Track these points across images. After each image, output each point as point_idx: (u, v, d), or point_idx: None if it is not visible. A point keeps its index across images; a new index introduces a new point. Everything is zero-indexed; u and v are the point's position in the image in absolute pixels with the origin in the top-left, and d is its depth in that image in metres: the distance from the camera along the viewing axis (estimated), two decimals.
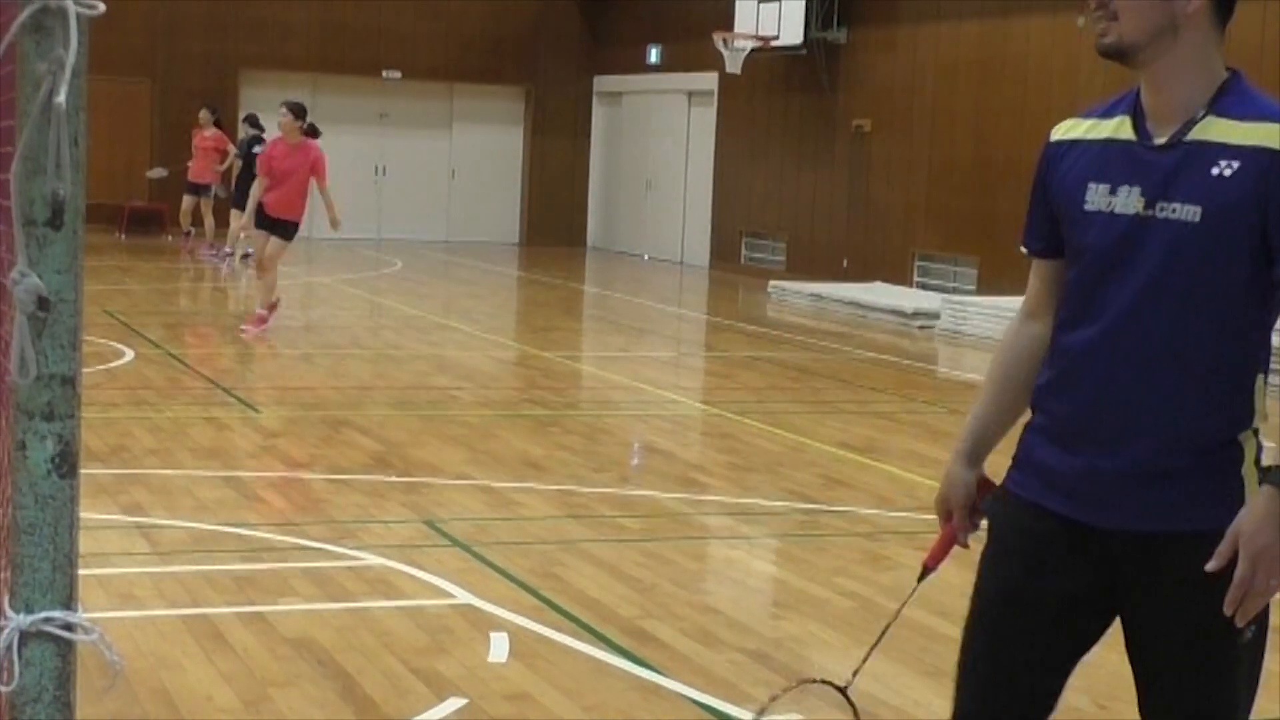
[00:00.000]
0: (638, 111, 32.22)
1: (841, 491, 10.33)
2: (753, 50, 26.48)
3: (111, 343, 15.54)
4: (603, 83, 33.24)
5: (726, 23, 27.13)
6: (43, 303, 2.29)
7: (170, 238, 28.71)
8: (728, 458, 11.51)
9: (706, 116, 29.94)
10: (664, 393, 14.67)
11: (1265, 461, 3.39)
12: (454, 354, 16.84)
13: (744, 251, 29.01)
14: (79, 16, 2.23)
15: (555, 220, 33.50)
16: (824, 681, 4.02)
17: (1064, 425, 3.54)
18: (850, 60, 26.02)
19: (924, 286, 23.74)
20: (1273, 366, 3.57)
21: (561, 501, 9.80)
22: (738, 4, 27.11)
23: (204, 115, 26.66)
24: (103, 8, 2.23)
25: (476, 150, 33.32)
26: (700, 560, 8.85)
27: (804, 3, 25.74)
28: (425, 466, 10.60)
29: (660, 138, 31.40)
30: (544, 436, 11.96)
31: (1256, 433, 3.45)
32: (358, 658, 6.67)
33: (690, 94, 30.45)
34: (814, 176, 26.82)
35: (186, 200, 26.82)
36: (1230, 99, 3.45)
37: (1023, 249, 3.75)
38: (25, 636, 2.40)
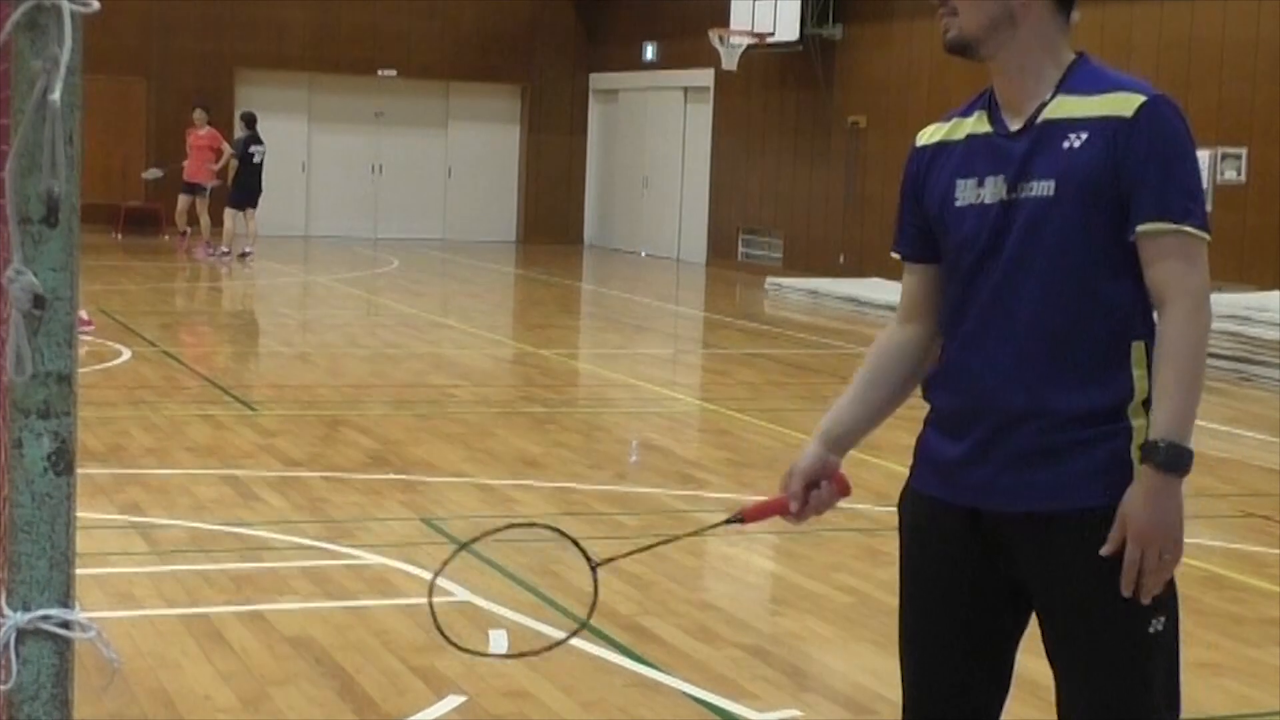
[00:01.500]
0: (634, 109, 32.22)
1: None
2: (749, 47, 26.48)
3: (108, 342, 15.53)
4: (599, 80, 33.24)
5: (722, 19, 27.12)
6: (38, 300, 2.29)
7: (166, 237, 28.71)
8: (725, 454, 11.51)
9: (703, 113, 29.94)
10: (661, 390, 14.67)
11: (1148, 437, 3.37)
12: (451, 352, 16.84)
13: (741, 248, 29.01)
14: (73, 14, 2.23)
15: (552, 218, 33.50)
16: (549, 528, 4.00)
17: (949, 414, 3.58)
18: (846, 56, 26.02)
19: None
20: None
21: (559, 499, 9.80)
22: (733, 1, 27.10)
23: (198, 115, 26.67)
24: (97, 5, 2.23)
25: (473, 148, 33.32)
26: (698, 557, 8.84)
27: None
28: (423, 465, 10.60)
29: (657, 135, 31.40)
30: (542, 434, 11.96)
31: (1147, 405, 3.40)
32: (356, 656, 6.67)
33: (686, 91, 30.45)
34: (810, 172, 26.82)
35: (182, 200, 26.83)
36: (1077, 78, 3.50)
37: (894, 254, 3.78)
38: (22, 634, 2.40)
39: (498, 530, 3.89)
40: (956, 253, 3.56)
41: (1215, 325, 17.47)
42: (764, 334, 19.46)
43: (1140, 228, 3.37)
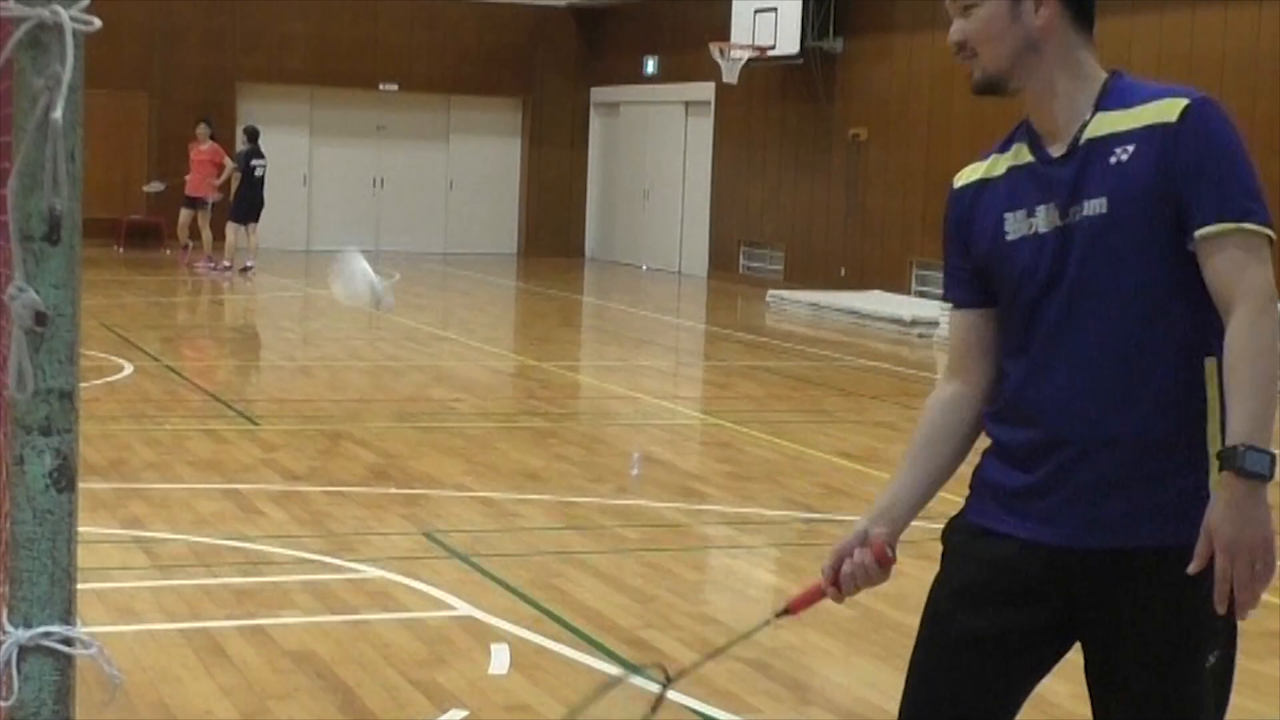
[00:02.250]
0: (635, 122, 32.24)
1: (841, 500, 10.33)
2: (749, 60, 26.49)
3: (110, 356, 15.53)
4: (600, 93, 33.26)
5: (723, 33, 27.14)
6: (40, 318, 2.29)
7: (168, 251, 28.72)
8: (727, 467, 11.51)
9: (704, 126, 29.96)
10: (663, 403, 14.68)
11: (1225, 444, 3.23)
12: (452, 365, 16.84)
13: (742, 261, 29.02)
14: (75, 32, 2.23)
15: (553, 231, 33.51)
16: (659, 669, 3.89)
17: (1014, 447, 3.48)
18: (846, 69, 26.04)
19: (922, 294, 23.74)
20: None
21: (561, 512, 9.80)
22: (734, 14, 27.12)
23: (201, 129, 26.69)
24: (99, 23, 2.23)
25: (474, 162, 33.33)
26: (700, 570, 8.85)
27: (800, 13, 25.76)
28: (424, 478, 10.60)
29: (658, 148, 31.42)
30: (543, 447, 11.96)
31: (1223, 429, 3.27)
32: (357, 670, 6.67)
33: (687, 104, 30.47)
34: (811, 185, 26.83)
35: (184, 214, 26.84)
36: (1114, 95, 3.42)
37: (945, 302, 3.71)
38: (24, 651, 2.40)
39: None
40: (1015, 288, 3.46)
41: None
42: (765, 347, 19.46)
43: (1199, 232, 3.27)
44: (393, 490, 10.18)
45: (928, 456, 3.63)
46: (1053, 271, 3.39)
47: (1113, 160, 3.35)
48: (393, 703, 6.32)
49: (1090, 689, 3.50)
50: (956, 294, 3.67)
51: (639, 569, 8.49)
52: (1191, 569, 3.23)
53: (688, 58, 29.44)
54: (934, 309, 21.24)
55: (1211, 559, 3.21)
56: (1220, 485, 3.20)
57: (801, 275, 26.55)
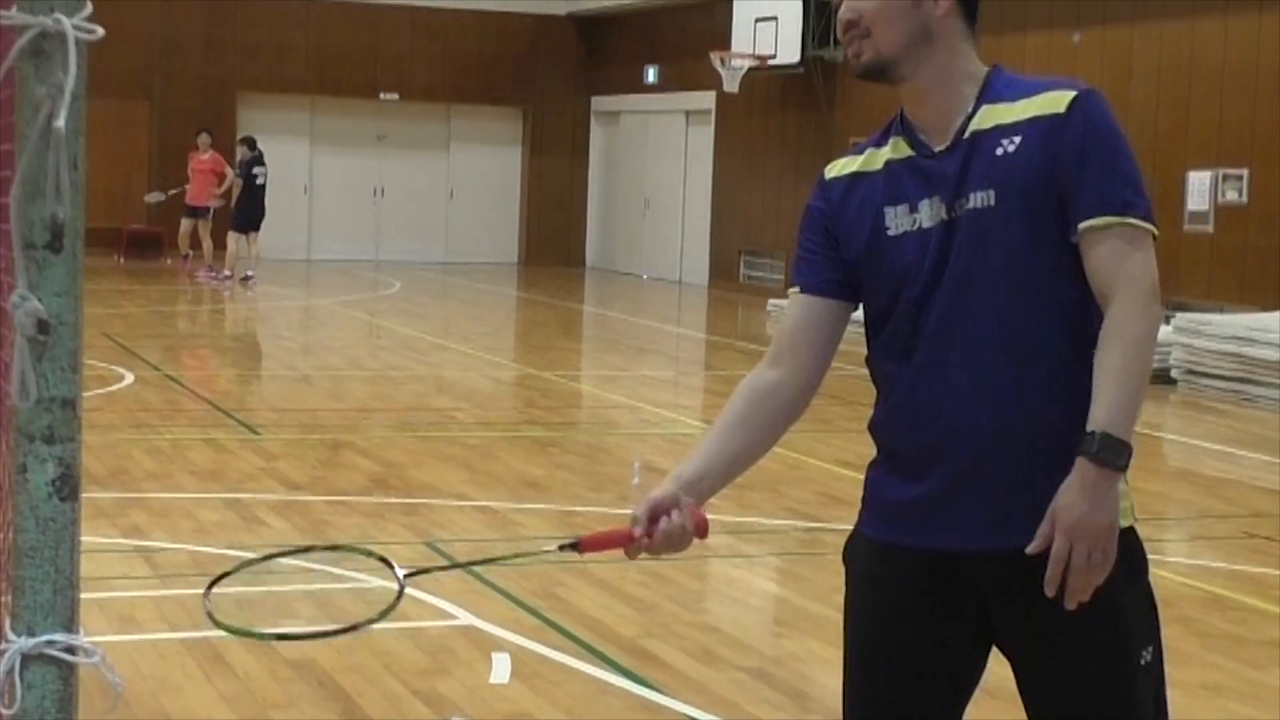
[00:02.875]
0: (635, 131, 32.25)
1: (841, 509, 10.32)
2: (750, 69, 26.51)
3: (111, 366, 15.54)
4: (600, 103, 33.28)
5: (724, 42, 27.16)
6: (43, 326, 2.30)
7: (169, 260, 28.73)
8: None
9: (704, 135, 29.97)
10: (664, 411, 14.68)
11: (1085, 428, 3.17)
12: (453, 375, 16.84)
13: (743, 270, 29.02)
14: (78, 40, 2.23)
15: (554, 240, 33.52)
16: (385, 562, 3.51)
17: (905, 453, 3.39)
18: (847, 78, 26.03)
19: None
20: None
21: (561, 521, 9.80)
22: (735, 23, 27.15)
23: (202, 139, 26.71)
24: (101, 32, 2.23)
25: (474, 171, 33.34)
26: (701, 579, 8.84)
27: (801, 21, 25.78)
28: (425, 488, 10.60)
29: (658, 157, 31.43)
30: (543, 456, 11.96)
31: None
32: (358, 679, 6.67)
33: (688, 113, 30.48)
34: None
35: (184, 223, 26.86)
36: (999, 87, 3.37)
37: (794, 287, 3.54)
38: (27, 659, 2.40)
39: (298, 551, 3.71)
40: (899, 284, 3.36)
41: (1216, 346, 17.38)
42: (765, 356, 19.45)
43: (1082, 225, 3.21)
44: (394, 499, 10.18)
45: (742, 439, 3.51)
46: (938, 266, 3.31)
47: (999, 152, 3.28)
48: (394, 712, 6.32)
49: (1025, 704, 3.41)
50: (805, 277, 3.51)
51: (640, 578, 8.48)
52: (1030, 549, 3.16)
53: (688, 67, 29.46)
54: None
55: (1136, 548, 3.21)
56: (1072, 473, 3.14)
57: None
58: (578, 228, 33.74)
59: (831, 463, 11.90)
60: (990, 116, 3.33)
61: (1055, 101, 3.28)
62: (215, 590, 3.35)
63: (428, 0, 32.00)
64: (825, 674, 7.05)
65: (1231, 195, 19.30)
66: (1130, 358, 3.16)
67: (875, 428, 3.49)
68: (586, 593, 8.13)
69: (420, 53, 32.24)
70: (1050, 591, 3.14)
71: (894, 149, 3.45)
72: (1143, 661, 3.30)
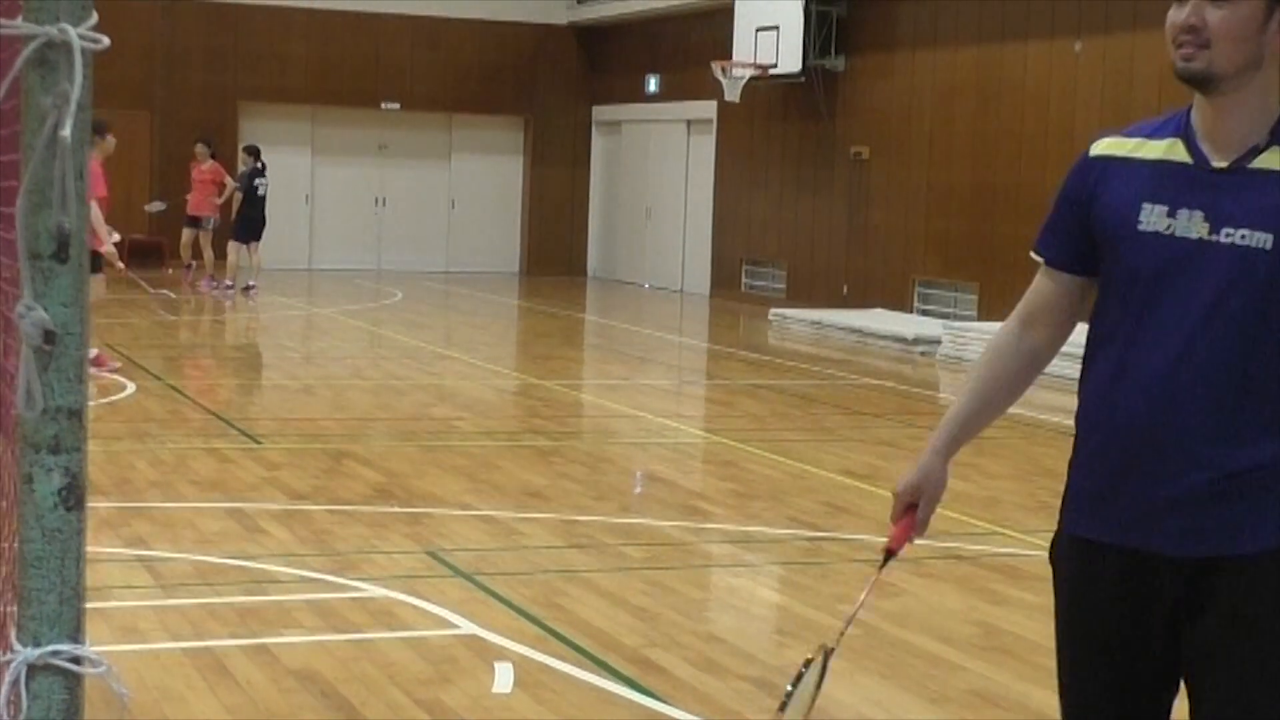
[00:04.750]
0: (637, 140, 32.26)
1: (844, 518, 10.32)
2: (751, 78, 26.52)
3: (113, 376, 15.53)
4: (601, 112, 33.29)
5: (725, 51, 27.17)
6: (49, 336, 2.30)
7: (170, 270, 28.73)
8: (730, 485, 11.50)
9: (706, 145, 29.98)
10: (665, 421, 14.67)
11: None
12: (455, 384, 16.84)
13: (744, 279, 29.02)
14: (84, 50, 2.23)
15: (555, 249, 33.53)
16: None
17: (1115, 453, 3.47)
18: (848, 87, 26.06)
19: (924, 312, 23.75)
20: None
21: (564, 531, 9.80)
22: (736, 32, 27.16)
23: (200, 149, 26.70)
24: (107, 41, 2.23)
25: (476, 180, 33.35)
26: (703, 588, 8.84)
27: (802, 31, 25.79)
28: (427, 497, 10.60)
29: (660, 166, 31.44)
30: (546, 466, 11.95)
31: None
32: (361, 689, 6.66)
33: (689, 122, 30.50)
34: (813, 203, 26.84)
35: (186, 233, 26.85)
36: None
37: (1036, 255, 3.68)
38: (33, 670, 2.40)
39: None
40: (1129, 278, 3.46)
41: None
42: (768, 365, 19.46)
43: None
44: (396, 509, 10.18)
45: (996, 393, 3.74)
46: (1178, 279, 3.39)
47: None
48: None
49: (1190, 699, 3.51)
50: (1052, 253, 3.66)
51: (642, 587, 8.48)
52: None
53: (690, 76, 29.47)
54: (936, 327, 21.25)
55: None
56: None
57: (804, 293, 26.57)
58: (579, 237, 33.75)
59: (835, 472, 11.90)
60: (1277, 159, 3.38)
61: None
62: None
63: (429, 10, 32.02)
64: (829, 683, 7.03)
65: None
66: None
67: (1083, 420, 3.60)
68: (589, 602, 8.13)
69: (421, 62, 32.25)
70: None
71: (1169, 149, 3.49)
72: None
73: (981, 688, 6.99)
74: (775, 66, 26.22)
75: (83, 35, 2.23)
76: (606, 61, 33.03)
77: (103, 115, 30.52)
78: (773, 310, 25.03)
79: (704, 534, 9.95)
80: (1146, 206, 3.45)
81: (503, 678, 6.84)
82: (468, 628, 7.57)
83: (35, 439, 2.35)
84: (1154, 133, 3.53)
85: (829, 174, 26.41)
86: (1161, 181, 3.45)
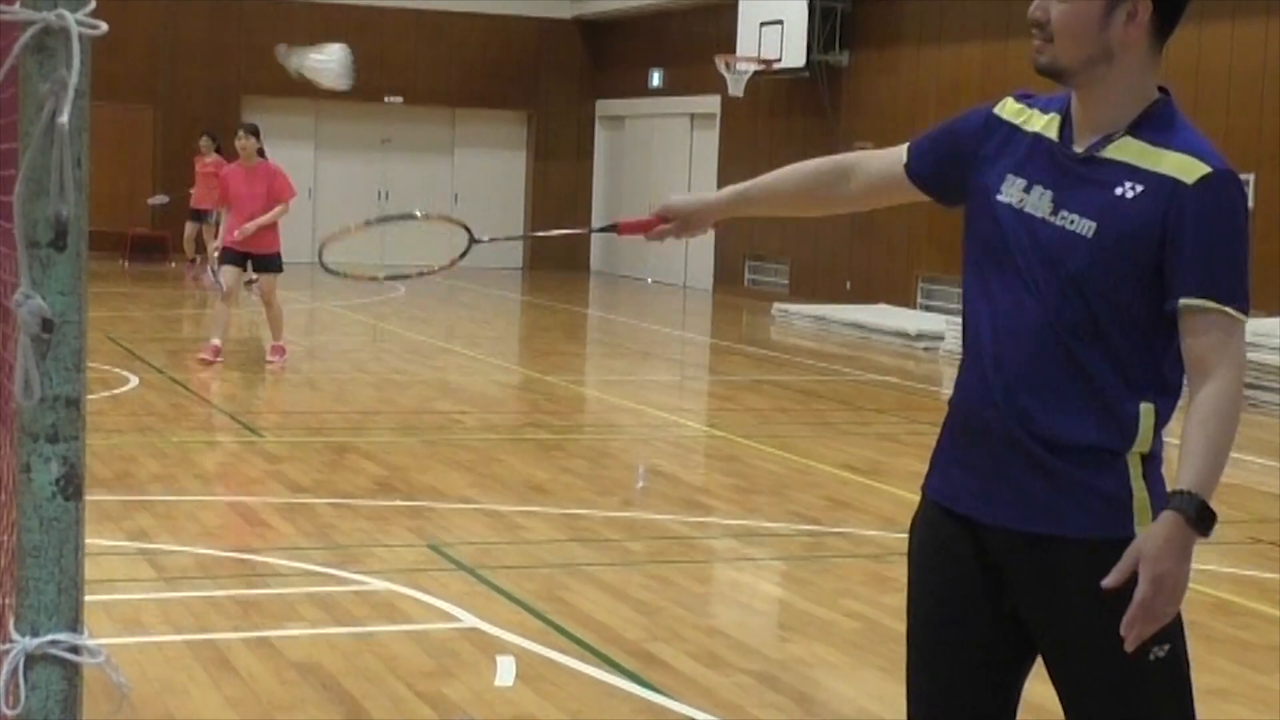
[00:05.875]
0: (640, 135, 32.25)
1: (846, 513, 10.31)
2: (755, 73, 26.50)
3: (115, 369, 15.53)
4: (605, 106, 33.28)
5: (728, 46, 27.15)
6: (47, 324, 2.29)
7: (173, 264, 28.74)
8: (732, 480, 11.50)
9: (709, 140, 29.96)
10: (668, 416, 14.66)
11: (1170, 487, 3.35)
12: (458, 379, 16.83)
13: (747, 275, 29.01)
14: (81, 36, 2.22)
15: (558, 245, 33.51)
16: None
17: (961, 420, 3.59)
18: (852, 83, 26.04)
19: (927, 308, 23.74)
20: None
21: (566, 525, 9.79)
22: (740, 27, 27.14)
23: (204, 142, 26.69)
24: (105, 27, 2.22)
25: (479, 175, 33.34)
26: (706, 583, 8.83)
27: (806, 26, 25.77)
28: (429, 491, 10.59)
29: (663, 161, 31.42)
30: (548, 460, 11.95)
31: (1143, 458, 3.43)
32: (363, 682, 6.66)
33: (693, 117, 30.48)
34: None
35: (189, 227, 26.84)
36: (1153, 123, 3.45)
37: (906, 153, 3.80)
38: (31, 660, 2.39)
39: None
40: (982, 244, 3.55)
41: None
42: (771, 360, 19.44)
43: (1184, 301, 3.35)
44: (398, 502, 10.17)
45: (792, 187, 4.00)
46: (1016, 251, 3.47)
47: (1118, 191, 3.39)
48: (399, 714, 6.31)
49: (1052, 682, 3.58)
50: (914, 156, 3.79)
51: (645, 581, 8.47)
52: (1107, 583, 3.30)
53: (693, 71, 29.45)
54: (939, 322, 21.22)
55: (1130, 583, 3.28)
56: (1162, 523, 3.28)
57: (807, 289, 26.55)
58: None
59: (837, 467, 11.89)
60: (1127, 150, 3.43)
61: (1188, 169, 3.38)
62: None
63: (432, 4, 32.00)
64: (830, 678, 7.04)
65: None
66: (1223, 433, 3.33)
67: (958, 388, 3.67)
68: (591, 596, 8.12)
69: (425, 56, 32.24)
70: (1124, 633, 3.29)
71: (1047, 125, 3.56)
72: (1152, 658, 3.41)
73: None
74: (779, 61, 26.20)
75: (81, 21, 2.22)
76: (610, 56, 33.02)
77: (105, 108, 30.38)
78: (776, 305, 25.02)
79: (706, 528, 9.94)
80: (1009, 178, 3.54)
81: (505, 671, 6.83)
82: (470, 621, 7.57)
83: (33, 428, 2.34)
84: (1045, 106, 3.61)
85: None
86: (1029, 156, 3.54)
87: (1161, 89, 3.50)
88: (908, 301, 24.22)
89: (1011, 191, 3.51)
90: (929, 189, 3.75)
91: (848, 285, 25.68)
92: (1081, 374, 3.40)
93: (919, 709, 3.69)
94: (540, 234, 4.52)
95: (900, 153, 3.80)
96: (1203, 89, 19.80)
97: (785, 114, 27.61)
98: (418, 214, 4.27)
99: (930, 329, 21.04)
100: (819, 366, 18.79)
